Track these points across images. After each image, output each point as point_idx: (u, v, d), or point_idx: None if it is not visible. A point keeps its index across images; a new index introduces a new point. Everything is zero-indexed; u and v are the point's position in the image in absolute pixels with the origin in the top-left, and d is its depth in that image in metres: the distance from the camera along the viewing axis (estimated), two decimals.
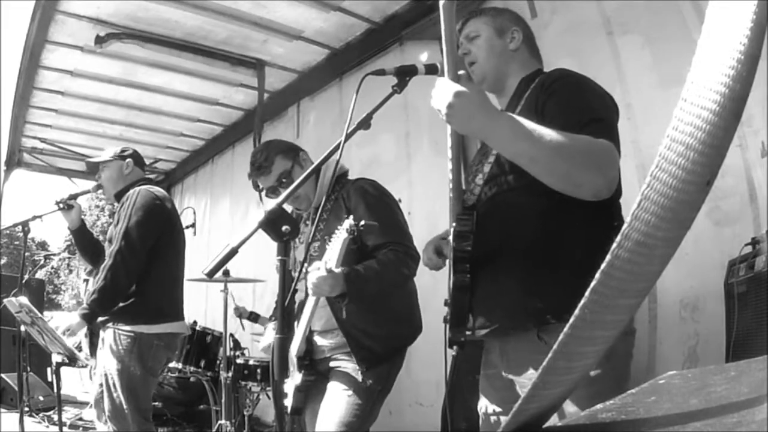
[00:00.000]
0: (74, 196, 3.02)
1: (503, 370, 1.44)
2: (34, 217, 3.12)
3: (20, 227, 3.13)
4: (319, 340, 2.14)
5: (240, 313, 4.23)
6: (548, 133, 1.19)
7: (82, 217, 3.09)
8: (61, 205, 2.97)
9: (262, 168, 2.18)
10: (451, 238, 1.38)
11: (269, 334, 2.34)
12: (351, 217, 1.74)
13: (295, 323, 2.10)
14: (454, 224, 1.38)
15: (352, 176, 2.31)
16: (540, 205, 1.34)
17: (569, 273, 1.21)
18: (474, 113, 1.19)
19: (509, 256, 1.38)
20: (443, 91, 1.20)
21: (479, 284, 1.38)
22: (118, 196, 2.84)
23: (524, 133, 1.19)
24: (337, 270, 1.80)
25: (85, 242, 3.08)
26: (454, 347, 1.36)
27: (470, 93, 1.19)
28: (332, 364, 2.11)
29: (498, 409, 1.49)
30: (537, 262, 1.35)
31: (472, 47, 1.55)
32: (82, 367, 3.79)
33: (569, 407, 1.20)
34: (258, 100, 4.93)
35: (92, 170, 2.95)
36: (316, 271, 1.78)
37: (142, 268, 2.61)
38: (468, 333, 1.40)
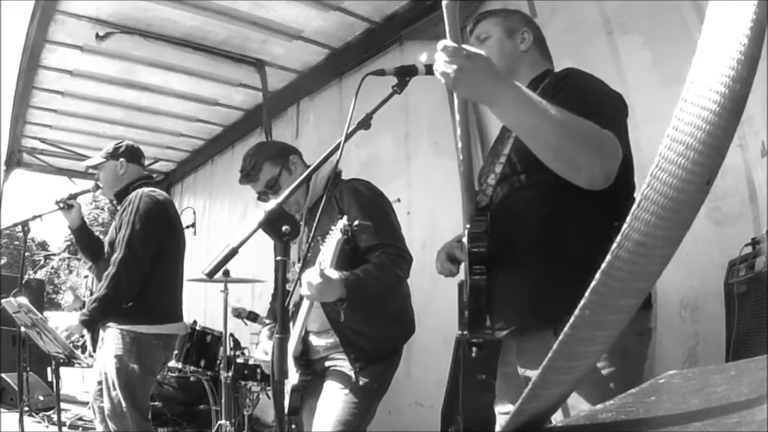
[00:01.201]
0: (74, 196, 3.01)
1: (519, 368, 1.44)
2: (34, 217, 3.12)
3: (20, 227, 3.12)
4: (314, 340, 2.14)
5: (239, 313, 4.23)
6: (555, 110, 1.18)
7: (82, 216, 3.09)
8: (61, 205, 2.96)
9: (249, 176, 2.21)
10: (465, 239, 1.37)
11: (264, 344, 2.31)
12: (345, 217, 1.73)
13: (291, 324, 2.10)
14: (468, 226, 1.37)
15: (351, 176, 2.31)
16: (552, 202, 1.34)
17: (582, 272, 1.21)
18: (484, 78, 1.16)
19: (522, 256, 1.38)
20: (453, 53, 1.15)
21: (494, 285, 1.38)
22: (119, 195, 2.83)
23: (531, 104, 1.19)
24: (335, 274, 1.80)
25: (85, 241, 3.07)
26: (474, 349, 1.35)
27: (480, 57, 1.17)
28: (328, 363, 2.12)
29: (511, 408, 1.49)
30: (551, 261, 1.35)
31: (483, 48, 1.54)
32: (87, 366, 3.78)
33: (582, 404, 1.20)
34: (263, 96, 4.92)
35: (94, 170, 2.96)
36: (311, 275, 1.78)
37: (146, 275, 2.61)
38: (488, 332, 1.39)
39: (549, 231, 1.36)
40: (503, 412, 1.51)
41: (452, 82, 1.16)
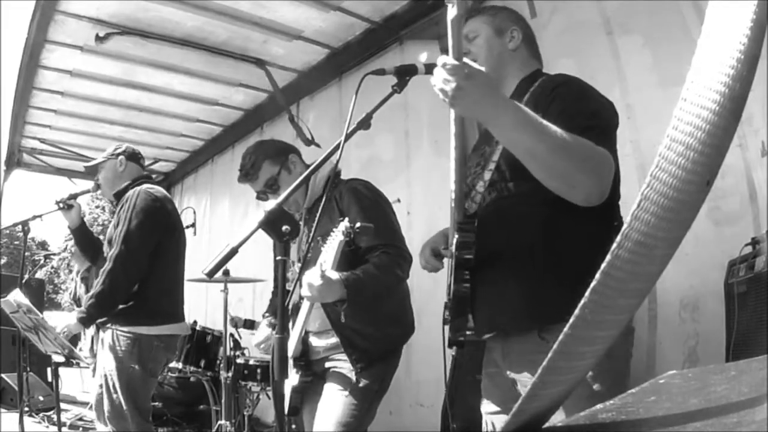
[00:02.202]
0: (74, 196, 3.01)
1: (505, 369, 1.44)
2: (34, 217, 3.12)
3: (20, 227, 3.12)
4: (314, 340, 2.14)
5: (235, 323, 4.22)
6: (552, 130, 1.19)
7: (82, 216, 3.09)
8: (61, 205, 2.96)
9: (249, 175, 2.20)
10: (453, 247, 1.37)
11: (263, 330, 2.34)
12: (346, 219, 1.73)
13: (290, 324, 2.10)
14: (456, 235, 1.37)
15: (350, 176, 2.31)
16: (541, 211, 1.34)
17: (570, 277, 1.21)
18: (482, 98, 1.16)
19: (510, 261, 1.38)
20: (452, 71, 1.14)
21: (481, 289, 1.38)
22: (118, 195, 2.82)
23: (528, 125, 1.19)
24: (335, 275, 1.80)
25: (85, 241, 3.07)
26: (454, 347, 1.36)
27: (481, 75, 1.16)
28: (328, 364, 2.12)
29: (498, 408, 1.50)
30: (538, 267, 1.35)
31: (472, 47, 1.54)
32: (86, 366, 3.79)
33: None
34: (273, 88, 4.89)
35: (92, 173, 2.94)
36: (311, 276, 1.78)
37: (143, 272, 2.59)
38: (470, 333, 1.40)
39: (535, 238, 1.36)
40: (490, 411, 1.52)
41: (450, 101, 1.16)
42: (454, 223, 1.39)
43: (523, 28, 1.58)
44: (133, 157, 2.92)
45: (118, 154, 2.86)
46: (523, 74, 1.54)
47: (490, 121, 1.21)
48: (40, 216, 3.12)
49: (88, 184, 3.16)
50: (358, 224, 1.69)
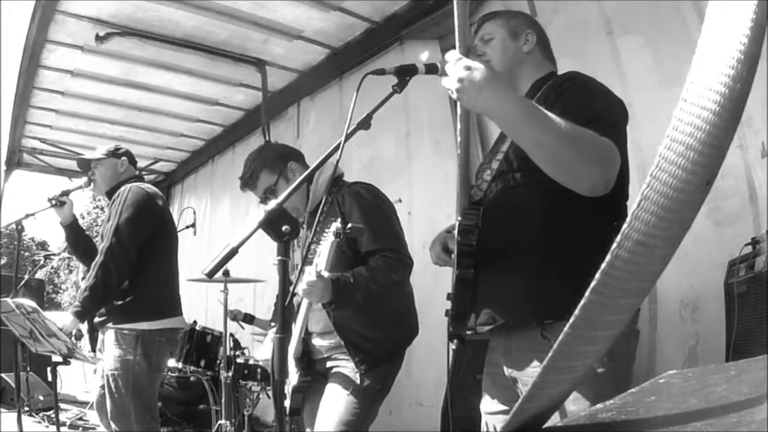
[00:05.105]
0: (66, 193, 3.00)
1: (506, 368, 1.44)
2: (27, 216, 3.11)
3: (14, 225, 3.11)
4: (317, 341, 2.15)
5: (234, 316, 4.22)
6: (556, 121, 1.19)
7: (80, 217, 3.08)
8: (54, 202, 2.96)
9: (248, 184, 2.24)
10: (456, 232, 1.38)
11: (268, 344, 2.34)
12: (339, 220, 1.74)
13: (293, 325, 2.11)
14: (459, 218, 1.38)
15: (352, 177, 2.31)
16: (546, 202, 1.35)
17: (574, 272, 1.22)
18: (483, 87, 1.17)
19: (514, 253, 1.38)
20: (454, 65, 1.19)
21: (484, 280, 1.38)
22: (110, 193, 2.84)
23: (532, 116, 1.20)
24: (327, 275, 1.81)
25: (76, 239, 3.06)
26: (455, 341, 1.36)
27: (480, 67, 1.18)
28: (330, 364, 2.12)
29: (500, 408, 1.50)
30: (542, 260, 1.35)
31: (487, 49, 1.57)
32: (91, 362, 3.77)
33: (570, 406, 1.20)
34: (262, 95, 4.92)
35: (84, 167, 2.93)
36: (308, 276, 1.79)
37: (133, 265, 2.60)
38: (470, 332, 1.40)
39: (540, 231, 1.37)
40: (490, 411, 1.52)
41: (456, 95, 1.19)
42: (460, 210, 1.40)
43: (537, 32, 1.60)
44: (133, 161, 2.97)
45: (121, 155, 2.89)
46: (538, 76, 1.55)
47: (493, 112, 1.21)
48: (32, 214, 3.11)
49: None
50: (349, 225, 1.70)
